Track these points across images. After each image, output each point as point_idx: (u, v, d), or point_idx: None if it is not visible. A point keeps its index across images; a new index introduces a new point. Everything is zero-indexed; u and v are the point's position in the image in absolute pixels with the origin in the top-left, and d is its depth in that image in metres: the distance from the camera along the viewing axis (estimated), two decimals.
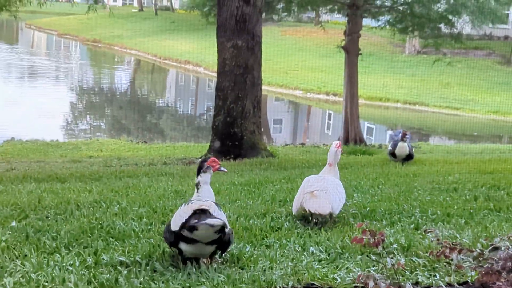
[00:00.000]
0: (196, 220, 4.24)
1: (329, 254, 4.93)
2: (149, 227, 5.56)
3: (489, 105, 32.20)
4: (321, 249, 5.05)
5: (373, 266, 4.60)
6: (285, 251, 4.97)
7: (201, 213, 4.34)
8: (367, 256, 4.83)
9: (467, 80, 37.42)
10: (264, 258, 4.71)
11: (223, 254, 4.61)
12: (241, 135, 12.62)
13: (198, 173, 4.88)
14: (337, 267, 4.61)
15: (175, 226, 4.36)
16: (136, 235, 5.27)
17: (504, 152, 16.98)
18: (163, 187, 7.84)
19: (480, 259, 4.14)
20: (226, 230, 4.32)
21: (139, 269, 4.32)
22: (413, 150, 12.05)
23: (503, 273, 3.93)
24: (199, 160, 5.10)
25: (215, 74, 13.25)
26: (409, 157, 11.76)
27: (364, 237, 3.79)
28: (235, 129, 12.60)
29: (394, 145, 11.75)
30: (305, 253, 4.92)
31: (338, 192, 6.03)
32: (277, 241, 5.25)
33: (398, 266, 3.83)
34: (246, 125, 12.64)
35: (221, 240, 4.35)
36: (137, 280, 4.11)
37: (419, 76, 38.43)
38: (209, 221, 4.20)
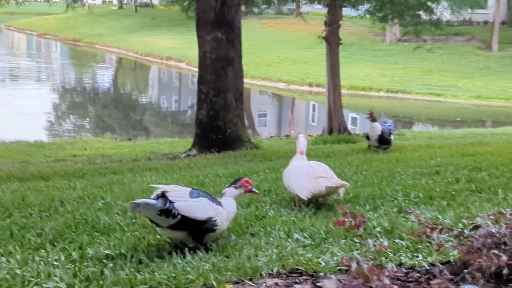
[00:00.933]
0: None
1: (313, 240, 4.96)
2: (134, 220, 5.56)
3: (471, 91, 32.41)
4: (306, 235, 5.09)
5: (357, 250, 4.65)
6: (270, 238, 4.99)
7: (161, 196, 4.48)
8: (350, 240, 4.87)
9: (449, 66, 37.68)
10: (249, 246, 4.73)
11: (202, 242, 4.67)
12: (224, 128, 12.65)
13: (230, 186, 5.11)
14: (321, 251, 4.64)
15: None
16: (121, 228, 5.28)
17: (486, 136, 17.14)
18: (147, 182, 7.86)
19: (461, 237, 4.20)
20: (183, 213, 4.43)
21: (124, 262, 4.33)
22: (391, 136, 11.76)
23: (483, 250, 3.98)
24: (236, 178, 5.28)
25: (197, 69, 13.26)
26: (382, 140, 11.45)
27: (346, 219, 3.83)
28: (218, 122, 12.63)
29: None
30: (289, 240, 4.95)
31: None
32: (262, 229, 5.27)
33: (381, 247, 3.87)
34: (229, 117, 12.67)
35: (188, 226, 4.50)
36: (122, 272, 4.12)
37: (400, 64, 38.62)
38: (138, 200, 4.31)
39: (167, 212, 4.40)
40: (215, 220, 4.66)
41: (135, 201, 4.32)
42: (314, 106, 31.80)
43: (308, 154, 10.86)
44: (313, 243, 4.88)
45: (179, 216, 4.45)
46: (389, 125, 11.90)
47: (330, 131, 19.13)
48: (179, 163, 10.42)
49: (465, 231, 4.21)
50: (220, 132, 12.66)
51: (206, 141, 12.74)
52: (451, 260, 4.41)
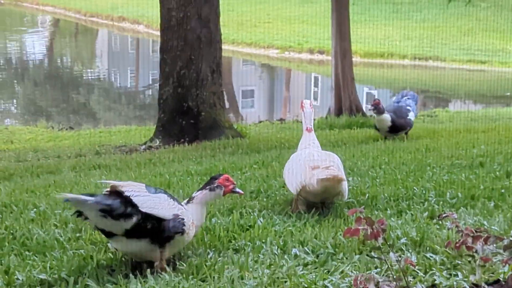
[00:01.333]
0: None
1: (317, 256, 4.99)
2: (77, 234, 5.57)
3: None
4: (307, 249, 5.11)
5: (376, 268, 4.67)
6: (260, 255, 5.02)
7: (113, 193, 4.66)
8: (367, 255, 4.89)
9: (495, 25, 37.69)
10: (232, 266, 4.75)
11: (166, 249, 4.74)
12: (197, 110, 12.63)
13: (203, 188, 5.15)
14: (328, 271, 4.66)
15: None
16: (60, 245, 5.28)
17: None
18: (95, 183, 7.85)
19: None
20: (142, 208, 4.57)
21: None
22: (410, 115, 11.86)
23: None
24: (211, 177, 5.34)
25: (159, 33, 13.23)
26: (395, 128, 11.67)
27: (359, 227, 3.84)
28: (189, 102, 12.61)
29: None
30: (286, 256, 4.97)
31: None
32: (248, 243, 5.30)
33: (407, 263, 3.88)
34: (203, 96, 12.65)
35: (150, 230, 4.64)
36: None
37: (431, 22, 38.63)
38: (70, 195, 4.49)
39: (110, 211, 4.49)
40: (183, 219, 4.76)
41: (65, 195, 4.44)
42: (316, 79, 31.81)
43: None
44: (317, 260, 4.91)
45: (138, 215, 4.54)
46: (408, 99, 11.93)
47: (339, 112, 19.11)
48: (137, 158, 10.43)
49: None
50: (192, 115, 12.64)
51: (173, 128, 12.73)
52: (501, 279, 4.44)
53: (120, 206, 4.52)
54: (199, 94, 12.65)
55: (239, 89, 30.34)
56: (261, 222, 5.86)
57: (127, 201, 4.54)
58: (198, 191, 5.16)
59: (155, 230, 4.61)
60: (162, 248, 4.69)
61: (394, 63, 33.26)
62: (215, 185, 5.14)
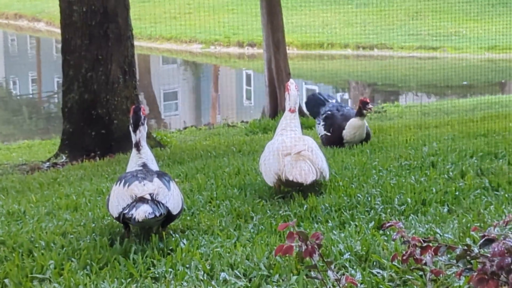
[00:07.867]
0: (131, 213, 5.81)
1: (250, 280, 5.03)
2: None
3: (481, 39, 32.92)
4: (238, 273, 5.15)
5: None
6: (183, 283, 5.04)
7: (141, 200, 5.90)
8: (306, 275, 4.93)
9: (446, 6, 38.16)
10: None
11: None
12: (108, 118, 12.56)
13: (136, 128, 6.07)
14: None
15: (113, 212, 6.05)
16: None
17: (506, 106, 17.50)
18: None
19: (468, 258, 4.26)
20: (174, 213, 6.09)
21: None
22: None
23: (502, 275, 4.04)
24: (133, 108, 6.18)
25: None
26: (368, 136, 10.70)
27: (292, 244, 3.86)
28: (98, 109, 12.53)
29: (338, 124, 10.58)
30: (213, 282, 5.01)
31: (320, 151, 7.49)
32: (170, 269, 5.32)
33: (347, 281, 3.92)
34: (114, 102, 12.58)
35: (169, 217, 6.12)
36: None
37: (374, 6, 38.95)
38: (146, 214, 5.75)
39: (162, 215, 5.89)
40: (182, 202, 6.31)
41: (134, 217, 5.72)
42: (248, 76, 31.86)
43: (240, 150, 11.04)
44: (249, 285, 4.93)
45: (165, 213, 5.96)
46: (336, 102, 11.21)
47: (274, 113, 19.18)
48: (39, 178, 10.32)
49: (474, 248, 4.27)
50: (102, 125, 12.54)
51: (81, 141, 12.60)
52: None
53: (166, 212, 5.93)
54: (110, 99, 12.57)
55: (160, 91, 30.25)
56: (184, 244, 5.89)
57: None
58: (135, 133, 6.14)
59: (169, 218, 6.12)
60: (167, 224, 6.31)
61: (335, 54, 33.49)
62: (143, 117, 6.15)
